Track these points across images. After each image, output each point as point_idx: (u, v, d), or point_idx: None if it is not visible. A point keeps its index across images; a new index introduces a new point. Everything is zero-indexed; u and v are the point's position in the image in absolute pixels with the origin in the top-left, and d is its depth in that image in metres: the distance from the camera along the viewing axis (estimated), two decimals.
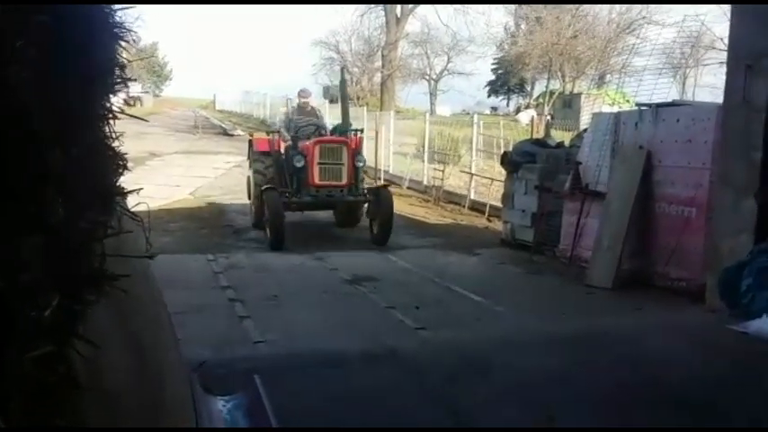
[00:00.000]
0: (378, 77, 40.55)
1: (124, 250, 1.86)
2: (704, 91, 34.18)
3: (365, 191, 10.25)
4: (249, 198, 11.15)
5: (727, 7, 5.79)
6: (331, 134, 10.68)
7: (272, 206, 9.10)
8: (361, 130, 11.07)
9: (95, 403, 1.02)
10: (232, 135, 30.18)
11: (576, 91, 36.15)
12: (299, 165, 9.57)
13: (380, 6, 38.06)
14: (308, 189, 9.68)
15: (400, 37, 38.65)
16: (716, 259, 5.72)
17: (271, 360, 4.17)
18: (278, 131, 10.60)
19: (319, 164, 9.54)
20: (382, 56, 39.53)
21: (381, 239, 9.74)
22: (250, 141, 11.43)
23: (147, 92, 44.54)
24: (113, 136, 1.77)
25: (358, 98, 39.42)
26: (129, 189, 1.86)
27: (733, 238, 5.62)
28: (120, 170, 1.86)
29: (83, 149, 1.30)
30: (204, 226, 10.82)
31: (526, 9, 38.57)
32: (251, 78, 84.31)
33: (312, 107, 11.17)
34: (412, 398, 3.52)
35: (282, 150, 10.27)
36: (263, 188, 9.50)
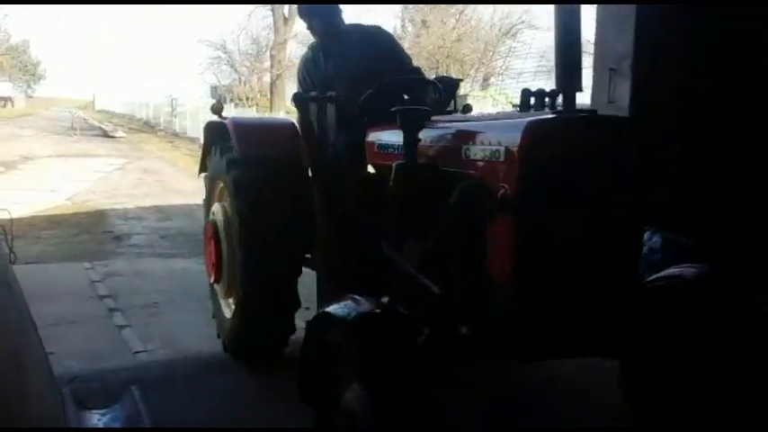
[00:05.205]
0: (267, 78, 40.06)
1: None
2: (583, 92, 36.26)
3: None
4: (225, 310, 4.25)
5: (593, 12, 6.14)
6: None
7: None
8: None
9: None
10: (113, 137, 29.15)
11: (462, 93, 37.28)
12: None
13: (268, 6, 37.65)
14: (497, 300, 2.14)
15: (289, 37, 38.29)
16: None
17: (150, 370, 4.04)
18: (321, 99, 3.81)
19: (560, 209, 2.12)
20: (271, 56, 39.07)
21: None
22: (212, 127, 4.12)
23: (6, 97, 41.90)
24: None
25: (247, 98, 38.84)
26: None
27: None
28: None
29: None
30: (82, 232, 10.26)
31: (412, 11, 39.30)
32: (134, 78, 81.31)
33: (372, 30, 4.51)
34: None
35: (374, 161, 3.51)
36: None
